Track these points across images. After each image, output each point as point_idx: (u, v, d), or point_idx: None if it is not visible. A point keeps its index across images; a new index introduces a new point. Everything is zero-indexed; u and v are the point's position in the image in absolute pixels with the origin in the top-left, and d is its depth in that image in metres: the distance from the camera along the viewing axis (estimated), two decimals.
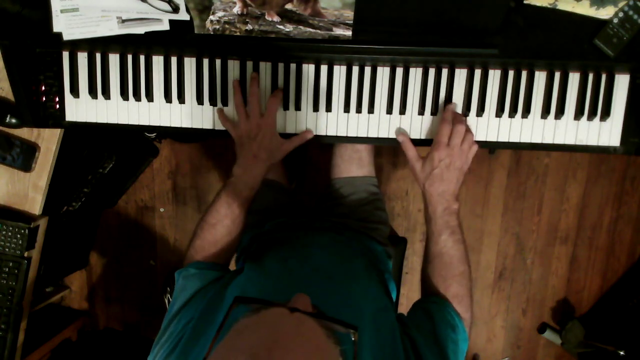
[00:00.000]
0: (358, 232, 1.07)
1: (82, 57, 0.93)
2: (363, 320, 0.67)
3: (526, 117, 0.91)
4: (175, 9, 0.85)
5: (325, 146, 1.05)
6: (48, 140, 1.06)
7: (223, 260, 0.88)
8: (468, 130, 0.85)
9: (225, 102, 0.94)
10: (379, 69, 0.91)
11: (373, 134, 0.94)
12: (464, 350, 0.74)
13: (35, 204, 1.11)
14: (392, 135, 0.93)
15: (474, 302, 0.82)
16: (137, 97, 0.95)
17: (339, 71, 0.92)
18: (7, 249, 1.12)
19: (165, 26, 0.87)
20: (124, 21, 0.86)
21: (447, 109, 0.88)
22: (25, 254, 1.13)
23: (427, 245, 0.85)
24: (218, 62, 0.93)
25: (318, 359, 0.40)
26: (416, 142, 0.93)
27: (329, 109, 0.93)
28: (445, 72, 0.91)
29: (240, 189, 0.87)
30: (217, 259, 0.86)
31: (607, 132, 0.91)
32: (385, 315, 0.70)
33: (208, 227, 0.87)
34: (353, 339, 0.45)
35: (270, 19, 0.83)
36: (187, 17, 0.86)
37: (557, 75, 0.90)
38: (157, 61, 0.93)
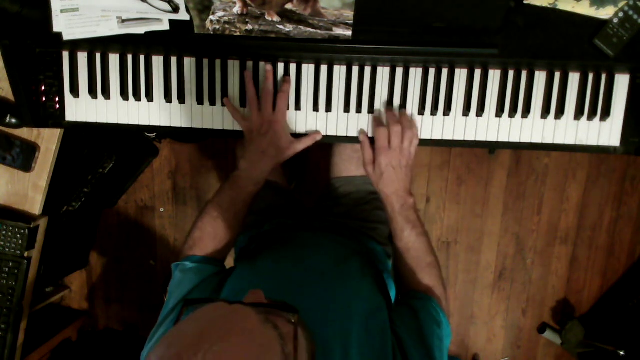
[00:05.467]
0: (357, 232, 1.07)
1: (82, 57, 0.94)
2: (353, 320, 0.67)
3: (526, 117, 0.91)
4: (175, 9, 0.85)
5: (325, 146, 1.05)
6: (48, 140, 1.06)
7: (220, 256, 0.87)
8: (405, 127, 0.87)
9: None
10: (379, 69, 0.91)
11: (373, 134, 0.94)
12: (447, 345, 0.75)
13: (35, 204, 1.11)
14: None
15: (447, 290, 0.85)
16: (137, 97, 0.95)
17: (339, 71, 0.92)
18: (7, 249, 1.12)
19: (165, 26, 0.87)
20: (124, 21, 0.86)
21: (385, 113, 0.90)
22: (25, 254, 1.13)
23: (393, 243, 0.88)
24: (218, 62, 0.93)
25: (247, 344, 0.41)
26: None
27: (329, 109, 0.93)
28: (445, 72, 0.91)
29: (245, 183, 0.87)
30: (214, 253, 0.85)
31: (607, 132, 0.91)
32: (378, 315, 0.70)
33: (209, 220, 0.86)
34: (293, 321, 0.46)
35: (270, 19, 0.83)
36: (187, 17, 0.86)
37: (557, 75, 0.90)
38: (157, 61, 0.93)
